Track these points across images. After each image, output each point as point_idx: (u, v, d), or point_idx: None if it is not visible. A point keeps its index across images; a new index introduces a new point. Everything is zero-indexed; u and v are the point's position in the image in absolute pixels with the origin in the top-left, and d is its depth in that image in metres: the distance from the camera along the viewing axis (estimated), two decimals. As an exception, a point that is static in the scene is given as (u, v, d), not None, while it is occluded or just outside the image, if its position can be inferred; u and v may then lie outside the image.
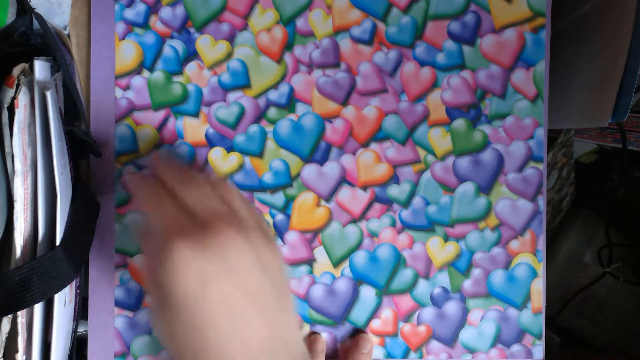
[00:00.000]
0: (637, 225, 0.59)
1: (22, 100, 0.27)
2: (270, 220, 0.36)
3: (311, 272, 0.36)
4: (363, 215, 0.36)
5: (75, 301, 0.31)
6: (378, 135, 0.36)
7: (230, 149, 0.35)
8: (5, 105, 0.26)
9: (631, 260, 0.59)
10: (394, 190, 0.36)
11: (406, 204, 0.36)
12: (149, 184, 0.27)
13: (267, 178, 0.36)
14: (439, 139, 0.36)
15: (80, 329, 0.35)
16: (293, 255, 0.36)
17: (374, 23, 0.36)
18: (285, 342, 0.24)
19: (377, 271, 0.36)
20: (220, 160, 0.35)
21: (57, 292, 0.27)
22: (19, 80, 0.27)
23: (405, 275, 0.36)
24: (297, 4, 0.35)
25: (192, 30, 0.35)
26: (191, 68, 0.35)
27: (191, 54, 0.35)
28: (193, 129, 0.35)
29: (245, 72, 0.35)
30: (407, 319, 0.36)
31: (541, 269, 0.37)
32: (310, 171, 0.36)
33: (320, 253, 0.36)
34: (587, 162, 0.63)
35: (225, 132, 0.35)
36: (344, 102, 0.36)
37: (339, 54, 0.36)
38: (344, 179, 0.36)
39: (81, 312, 0.34)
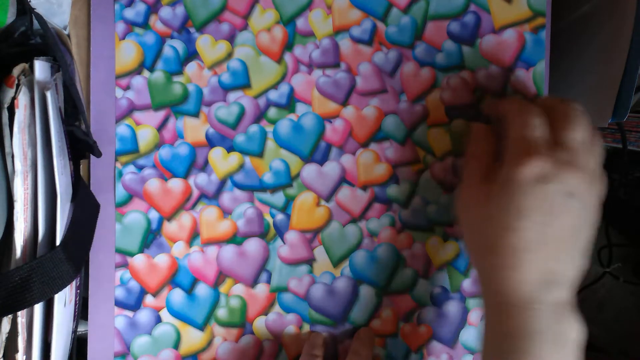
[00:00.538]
0: (637, 225, 0.59)
1: (22, 100, 0.27)
2: (270, 220, 0.36)
3: (311, 271, 0.36)
4: (363, 215, 0.36)
5: (75, 301, 0.31)
6: (378, 135, 0.36)
7: (230, 148, 0.35)
8: (5, 105, 0.26)
9: (631, 260, 0.59)
10: (393, 190, 0.36)
11: (406, 203, 0.36)
12: None
13: (267, 178, 0.36)
14: (439, 139, 0.36)
15: (80, 329, 0.35)
16: (293, 255, 0.36)
17: (373, 23, 0.36)
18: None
19: (376, 271, 0.36)
20: (221, 160, 0.35)
21: (57, 292, 0.27)
22: (19, 80, 0.27)
23: (405, 275, 0.36)
24: (297, 4, 0.35)
25: (192, 30, 0.35)
26: (191, 68, 0.35)
27: (191, 54, 0.35)
28: (193, 129, 0.35)
29: (245, 72, 0.35)
30: (407, 319, 0.36)
31: (541, 268, 0.37)
32: (310, 171, 0.36)
33: (320, 253, 0.36)
34: (587, 162, 0.63)
35: (226, 132, 0.35)
36: (344, 102, 0.36)
37: (339, 54, 0.36)
38: (343, 179, 0.36)
39: (81, 312, 0.34)
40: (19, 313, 0.27)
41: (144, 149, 0.35)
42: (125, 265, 0.35)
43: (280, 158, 0.36)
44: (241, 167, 0.36)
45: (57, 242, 0.27)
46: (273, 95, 0.36)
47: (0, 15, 0.27)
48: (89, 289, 0.35)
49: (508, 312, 0.29)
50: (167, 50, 0.35)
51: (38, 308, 0.27)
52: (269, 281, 0.36)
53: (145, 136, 0.35)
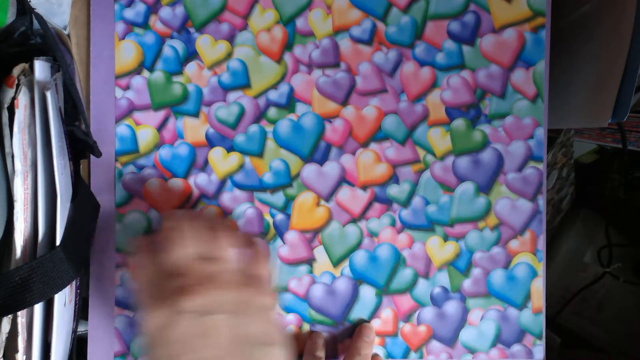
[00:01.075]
0: (637, 225, 0.59)
1: (22, 100, 0.27)
2: (270, 220, 0.36)
3: (311, 271, 0.36)
4: (363, 215, 0.36)
5: (75, 301, 0.31)
6: (378, 135, 0.36)
7: (230, 148, 0.35)
8: (5, 105, 0.26)
9: (631, 260, 0.59)
10: (393, 190, 0.36)
11: (406, 203, 0.36)
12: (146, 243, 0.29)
13: (267, 178, 0.36)
14: (439, 139, 0.36)
15: (80, 329, 0.35)
16: (293, 255, 0.36)
17: (373, 23, 0.36)
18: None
19: (376, 271, 0.36)
20: (220, 160, 0.35)
21: (57, 292, 0.27)
22: (19, 80, 0.27)
23: (405, 275, 0.36)
24: (297, 3, 0.35)
25: (192, 30, 0.35)
26: (191, 68, 0.35)
27: (191, 54, 0.35)
28: (193, 129, 0.35)
29: (245, 72, 0.35)
30: (407, 318, 0.36)
31: (541, 268, 0.37)
32: (310, 171, 0.36)
33: (320, 253, 0.36)
34: (587, 162, 0.63)
35: (225, 132, 0.35)
36: (344, 102, 0.36)
37: (338, 54, 0.36)
38: (343, 179, 0.36)
39: (81, 312, 0.34)
40: (19, 313, 0.27)
41: (144, 149, 0.35)
42: (125, 265, 0.35)
43: (280, 158, 0.36)
44: (241, 167, 0.36)
45: (57, 242, 0.27)
46: (273, 95, 0.36)
47: (0, 15, 0.27)
48: (89, 289, 0.35)
49: None
50: (166, 50, 0.35)
51: (38, 308, 0.27)
52: (269, 281, 0.36)
53: (145, 136, 0.35)
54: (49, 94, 0.27)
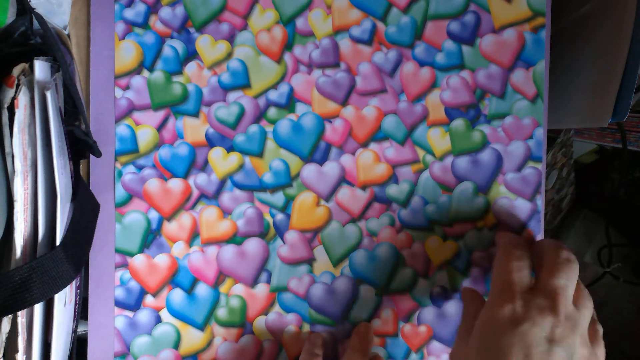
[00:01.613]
0: (637, 225, 0.59)
1: (22, 100, 0.27)
2: (270, 220, 0.36)
3: (311, 271, 0.36)
4: (362, 215, 0.36)
5: (75, 301, 0.31)
6: (377, 135, 0.36)
7: (230, 149, 0.35)
8: (5, 105, 0.26)
9: (631, 260, 0.59)
10: (393, 190, 0.36)
11: (405, 203, 0.36)
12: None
13: (267, 178, 0.36)
14: (438, 139, 0.36)
15: (80, 329, 0.35)
16: (293, 255, 0.36)
17: (373, 23, 0.36)
18: None
19: (376, 270, 0.36)
20: (220, 160, 0.35)
21: (57, 292, 0.27)
22: (19, 80, 0.27)
23: (404, 275, 0.36)
24: (297, 3, 0.35)
25: (192, 30, 0.35)
26: (191, 68, 0.35)
27: (191, 54, 0.35)
28: (193, 129, 0.35)
29: (245, 72, 0.35)
30: (407, 318, 0.36)
31: (541, 268, 0.37)
32: (310, 171, 0.36)
33: (320, 252, 0.36)
34: (587, 162, 0.63)
35: (225, 132, 0.35)
36: (344, 102, 0.36)
37: (338, 54, 0.36)
38: (343, 179, 0.36)
39: (81, 312, 0.34)
40: (19, 313, 0.27)
41: (144, 149, 0.35)
42: (125, 265, 0.35)
43: (280, 158, 0.36)
44: (241, 167, 0.36)
45: (57, 242, 0.27)
46: (273, 95, 0.36)
47: (0, 15, 0.27)
48: (89, 289, 0.35)
49: None
50: (166, 50, 0.35)
51: (38, 308, 0.27)
52: (269, 281, 0.36)
53: (145, 136, 0.35)
54: (49, 94, 0.27)
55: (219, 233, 0.35)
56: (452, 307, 0.37)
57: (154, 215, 0.35)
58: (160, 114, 0.35)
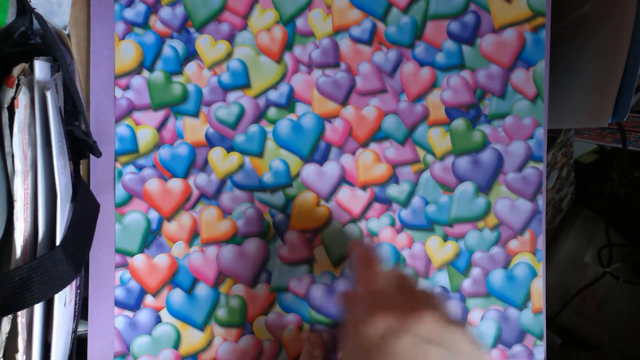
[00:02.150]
0: (637, 225, 0.59)
1: (22, 100, 0.27)
2: (270, 220, 0.36)
3: (311, 271, 0.36)
4: (362, 215, 0.36)
5: (75, 301, 0.31)
6: (377, 135, 0.36)
7: (230, 148, 0.35)
8: (5, 105, 0.26)
9: (631, 260, 0.59)
10: (393, 190, 0.36)
11: (405, 203, 0.36)
12: (368, 254, 0.31)
13: (267, 178, 0.36)
14: (439, 139, 0.36)
15: (80, 329, 0.35)
16: (293, 254, 0.36)
17: (373, 23, 0.36)
18: None
19: (376, 271, 0.36)
20: (220, 160, 0.35)
21: (57, 292, 0.27)
22: (19, 80, 0.27)
23: (405, 275, 0.36)
24: (296, 3, 0.35)
25: (192, 30, 0.35)
26: (191, 68, 0.35)
27: (191, 54, 0.35)
28: (193, 129, 0.35)
29: (245, 72, 0.35)
30: (406, 318, 0.36)
31: (541, 268, 0.37)
32: (310, 171, 0.36)
33: (320, 252, 0.36)
34: (587, 162, 0.63)
35: (225, 132, 0.35)
36: (344, 102, 0.36)
37: (338, 54, 0.36)
38: (343, 179, 0.36)
39: (81, 312, 0.34)
40: (19, 313, 0.27)
41: (144, 149, 0.35)
42: (125, 265, 0.35)
43: (280, 158, 0.36)
44: (241, 167, 0.36)
45: (57, 242, 0.27)
46: (273, 95, 0.36)
47: (0, 15, 0.27)
48: (89, 289, 0.35)
49: None
50: (166, 50, 0.35)
51: (38, 308, 0.27)
52: (269, 281, 0.36)
53: (145, 136, 0.35)
54: (49, 94, 0.27)
55: (219, 233, 0.35)
56: (452, 307, 0.37)
57: (154, 215, 0.35)
58: (160, 114, 0.35)
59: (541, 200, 0.37)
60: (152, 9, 0.35)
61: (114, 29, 0.35)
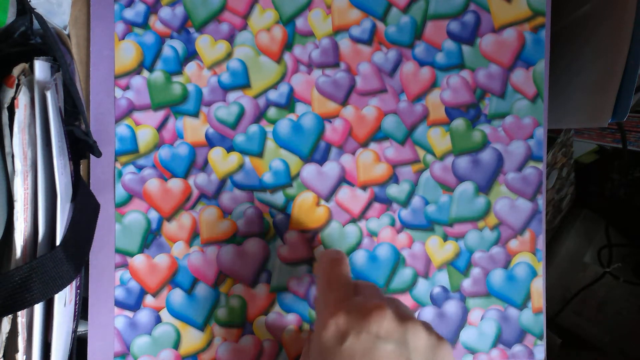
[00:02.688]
0: (637, 225, 0.59)
1: (22, 100, 0.27)
2: (270, 220, 0.36)
3: (311, 271, 0.36)
4: (362, 215, 0.36)
5: (75, 301, 0.31)
6: (377, 135, 0.36)
7: (230, 148, 0.35)
8: (5, 105, 0.26)
9: (631, 260, 0.59)
10: (393, 190, 0.36)
11: (405, 203, 0.36)
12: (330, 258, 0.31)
13: (267, 178, 0.36)
14: (438, 139, 0.36)
15: (80, 329, 0.35)
16: (293, 254, 0.36)
17: (373, 23, 0.36)
18: None
19: (376, 270, 0.36)
20: (220, 160, 0.35)
21: (57, 292, 0.27)
22: (19, 80, 0.27)
23: (404, 275, 0.36)
24: (296, 3, 0.35)
25: (191, 30, 0.35)
26: (191, 68, 0.35)
27: (191, 54, 0.35)
28: (193, 129, 0.35)
29: (245, 72, 0.35)
30: (407, 318, 0.36)
31: (541, 268, 0.37)
32: (309, 171, 0.36)
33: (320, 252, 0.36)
34: (587, 162, 0.63)
35: (225, 132, 0.35)
36: (344, 102, 0.36)
37: (338, 54, 0.36)
38: (343, 179, 0.36)
39: (81, 312, 0.34)
40: (19, 313, 0.27)
41: (144, 149, 0.35)
42: (125, 265, 0.35)
43: (280, 158, 0.36)
44: (241, 167, 0.36)
45: (57, 242, 0.27)
46: (273, 95, 0.36)
47: (0, 15, 0.27)
48: (89, 289, 0.35)
49: None
50: (166, 50, 0.35)
51: (38, 308, 0.27)
52: (269, 281, 0.36)
53: (145, 136, 0.35)
54: (49, 94, 0.27)
55: (219, 233, 0.35)
56: (452, 307, 0.37)
57: (154, 215, 0.35)
58: (160, 114, 0.35)
59: (541, 200, 0.37)
60: (152, 9, 0.35)
61: (114, 29, 0.35)
